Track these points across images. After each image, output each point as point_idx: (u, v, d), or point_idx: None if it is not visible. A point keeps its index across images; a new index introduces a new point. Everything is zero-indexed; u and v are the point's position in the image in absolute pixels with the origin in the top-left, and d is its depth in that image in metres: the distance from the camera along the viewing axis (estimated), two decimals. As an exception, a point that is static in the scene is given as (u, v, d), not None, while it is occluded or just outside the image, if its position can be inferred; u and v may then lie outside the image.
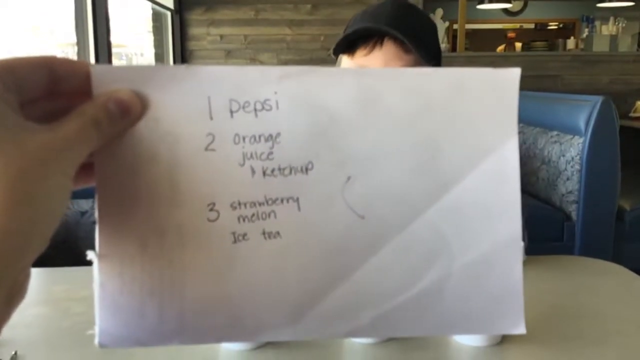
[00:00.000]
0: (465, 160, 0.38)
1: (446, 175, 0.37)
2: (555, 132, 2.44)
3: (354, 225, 0.37)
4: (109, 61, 2.52)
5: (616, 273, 0.96)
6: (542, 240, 2.26)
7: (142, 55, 4.16)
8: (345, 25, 1.09)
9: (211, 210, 0.35)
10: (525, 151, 2.63)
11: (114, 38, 2.64)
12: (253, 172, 0.36)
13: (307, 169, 0.36)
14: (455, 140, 0.38)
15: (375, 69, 0.38)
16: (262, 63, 4.49)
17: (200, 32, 4.42)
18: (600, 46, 4.58)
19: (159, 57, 4.21)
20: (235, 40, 4.47)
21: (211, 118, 0.35)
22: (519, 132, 2.93)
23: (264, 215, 0.36)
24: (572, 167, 2.28)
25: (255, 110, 0.36)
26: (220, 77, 0.35)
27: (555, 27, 6.32)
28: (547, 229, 2.30)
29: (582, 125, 2.24)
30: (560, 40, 5.47)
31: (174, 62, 4.21)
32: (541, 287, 0.89)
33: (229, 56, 4.48)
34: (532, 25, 6.52)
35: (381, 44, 1.00)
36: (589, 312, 0.81)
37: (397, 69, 0.38)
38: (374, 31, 0.99)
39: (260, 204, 0.36)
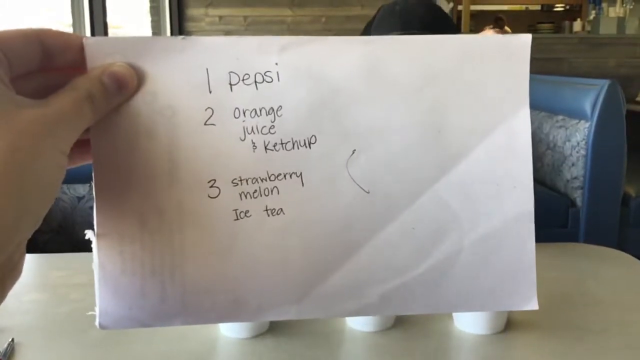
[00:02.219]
0: (474, 131, 0.37)
1: (454, 148, 0.36)
2: (560, 117, 2.42)
3: (359, 201, 0.36)
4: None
5: (620, 260, 0.95)
6: (546, 226, 2.25)
7: (141, 37, 4.13)
8: (371, 17, 1.07)
9: (212, 186, 0.35)
10: (531, 136, 2.60)
11: (110, 19, 2.61)
12: (254, 146, 0.35)
13: (310, 143, 0.35)
14: (463, 110, 0.36)
15: (380, 37, 0.36)
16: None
17: (199, 12, 4.38)
18: (608, 28, 4.53)
19: (158, 38, 4.18)
20: (234, 21, 4.42)
21: (210, 91, 0.34)
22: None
23: (266, 192, 0.35)
24: (577, 152, 2.26)
25: (256, 82, 0.35)
26: (219, 49, 0.34)
27: (562, 8, 6.25)
28: (551, 215, 2.29)
29: (588, 109, 2.21)
30: (567, 23, 5.41)
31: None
32: (545, 275, 0.87)
33: (229, 38, 4.44)
34: (538, 7, 6.44)
35: None
36: (592, 299, 0.80)
37: (403, 37, 0.36)
38: None
39: (262, 180, 0.35)
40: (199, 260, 0.35)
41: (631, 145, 2.26)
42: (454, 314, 0.70)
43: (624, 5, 4.68)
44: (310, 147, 0.35)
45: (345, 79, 0.35)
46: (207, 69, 0.34)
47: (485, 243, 0.37)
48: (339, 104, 0.35)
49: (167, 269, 0.35)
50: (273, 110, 0.35)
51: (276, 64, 0.35)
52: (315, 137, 0.35)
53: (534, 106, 2.66)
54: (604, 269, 0.92)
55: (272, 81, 0.35)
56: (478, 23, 5.66)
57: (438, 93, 0.36)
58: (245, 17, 4.42)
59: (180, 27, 4.34)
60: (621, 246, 1.04)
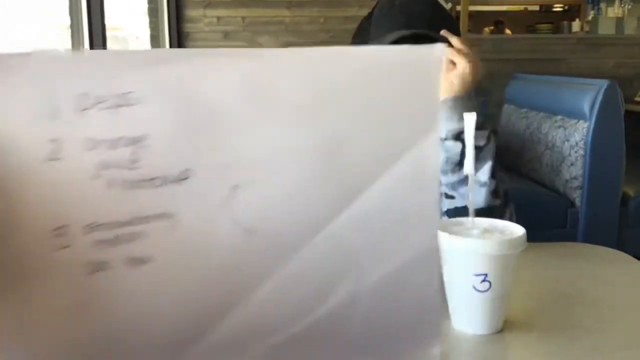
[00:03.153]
0: (377, 159, 0.31)
1: (353, 179, 0.31)
2: (559, 117, 2.41)
3: (242, 243, 0.30)
4: (104, 44, 2.50)
5: (619, 260, 0.95)
6: (545, 227, 2.24)
7: (137, 38, 4.13)
8: (370, 9, 1.06)
9: (60, 235, 0.29)
10: (529, 136, 2.60)
11: (108, 21, 2.61)
12: (111, 185, 0.29)
13: (182, 178, 0.30)
14: (365, 136, 0.31)
15: (265, 50, 0.32)
16: (260, 45, 4.45)
17: (197, 13, 4.38)
18: (606, 29, 4.53)
19: (155, 39, 4.18)
20: (232, 22, 4.42)
21: (56, 118, 0.28)
22: (523, 117, 2.92)
23: (130, 238, 0.29)
24: (576, 152, 2.25)
25: (114, 106, 0.28)
26: (67, 66, 0.28)
27: (561, 9, 6.26)
28: (550, 216, 2.28)
29: (586, 109, 2.21)
30: (565, 23, 5.41)
31: (170, 45, 4.19)
32: (543, 275, 0.88)
33: (227, 38, 4.44)
34: (536, 7, 6.44)
35: None
36: (591, 299, 0.80)
37: (293, 49, 0.31)
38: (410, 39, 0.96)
39: (124, 225, 0.29)
40: (50, 321, 0.29)
41: (630, 145, 2.26)
42: (451, 314, 0.69)
43: (623, 5, 4.69)
44: (182, 183, 0.30)
45: (225, 101, 0.30)
46: (53, 91, 0.28)
47: (387, 283, 0.33)
48: (217, 131, 0.30)
49: (12, 333, 0.29)
50: (136, 140, 0.29)
51: (140, 82, 0.29)
52: (189, 171, 0.30)
53: (533, 106, 2.66)
54: (603, 268, 0.92)
55: (134, 104, 0.29)
56: (476, 24, 5.66)
57: (335, 114, 0.31)
58: (243, 18, 4.42)
59: (178, 28, 4.34)
60: (620, 246, 1.03)
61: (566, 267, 0.92)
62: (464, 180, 0.93)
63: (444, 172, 0.98)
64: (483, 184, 0.94)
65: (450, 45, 0.96)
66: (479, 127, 0.94)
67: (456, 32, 1.00)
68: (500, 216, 0.91)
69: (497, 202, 0.94)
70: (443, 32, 0.96)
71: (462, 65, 0.94)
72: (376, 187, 0.31)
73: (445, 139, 0.95)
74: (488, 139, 0.95)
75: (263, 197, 0.30)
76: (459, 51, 0.95)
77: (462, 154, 0.92)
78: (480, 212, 0.90)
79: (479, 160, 0.94)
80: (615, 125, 2.20)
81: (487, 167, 0.94)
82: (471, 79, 0.95)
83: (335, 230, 0.31)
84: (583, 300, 0.79)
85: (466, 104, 0.95)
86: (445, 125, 0.93)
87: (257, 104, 0.30)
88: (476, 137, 0.92)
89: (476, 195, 0.94)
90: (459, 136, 0.92)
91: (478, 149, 0.94)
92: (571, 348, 0.65)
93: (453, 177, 0.94)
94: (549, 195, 2.37)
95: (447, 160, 0.96)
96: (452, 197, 0.97)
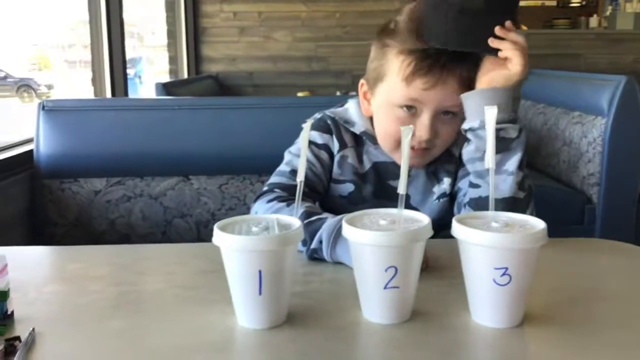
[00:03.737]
0: None
1: None
2: (577, 113, 2.39)
3: None
4: (122, 40, 2.51)
5: (636, 255, 0.95)
6: (562, 223, 2.22)
7: (153, 33, 4.16)
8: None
9: None
10: (547, 132, 2.58)
11: (126, 16, 2.63)
12: None
13: None
14: None
15: None
16: (276, 41, 4.46)
17: (213, 9, 4.39)
18: (624, 24, 4.48)
19: (172, 34, 4.19)
20: (248, 17, 4.43)
21: None
22: (540, 113, 2.89)
23: None
24: (593, 148, 2.24)
25: None
26: None
27: (578, 4, 6.19)
28: (567, 212, 2.27)
29: (604, 105, 2.19)
30: (583, 18, 5.35)
31: (187, 39, 4.20)
32: (561, 270, 0.88)
33: (243, 34, 4.45)
34: (554, 3, 6.38)
35: (444, 78, 0.95)
36: (609, 294, 0.80)
37: None
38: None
39: None
40: None
41: (648, 141, 2.23)
42: (471, 307, 0.69)
43: (642, 0, 4.63)
44: None
45: None
46: None
47: None
48: None
49: None
50: None
51: None
52: None
53: (551, 102, 2.64)
54: (620, 263, 0.92)
55: None
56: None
57: None
58: (259, 13, 4.43)
59: (195, 24, 4.36)
60: (638, 242, 1.03)
61: (584, 262, 0.92)
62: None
63: (472, 161, 0.97)
64: (510, 173, 0.93)
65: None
66: (512, 120, 0.94)
67: (515, 17, 0.95)
68: (523, 210, 0.91)
69: (522, 194, 0.94)
70: (508, 25, 0.92)
71: (519, 61, 0.91)
72: None
73: (479, 128, 0.94)
74: (520, 131, 0.94)
75: None
76: (516, 44, 0.91)
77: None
78: (504, 202, 0.90)
79: (509, 151, 0.93)
80: (633, 121, 2.18)
81: (515, 158, 0.93)
82: (521, 74, 0.92)
83: None
84: (601, 295, 0.79)
85: (502, 96, 0.93)
86: (480, 115, 0.92)
87: None
88: (509, 130, 0.93)
89: (502, 183, 0.93)
90: None
91: (509, 140, 0.93)
92: (590, 342, 0.65)
93: (482, 165, 0.93)
94: (566, 192, 2.35)
95: (477, 148, 0.95)
96: (477, 186, 0.97)
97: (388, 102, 1.00)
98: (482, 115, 0.90)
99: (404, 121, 0.97)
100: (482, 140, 0.92)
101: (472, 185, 0.98)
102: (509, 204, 0.90)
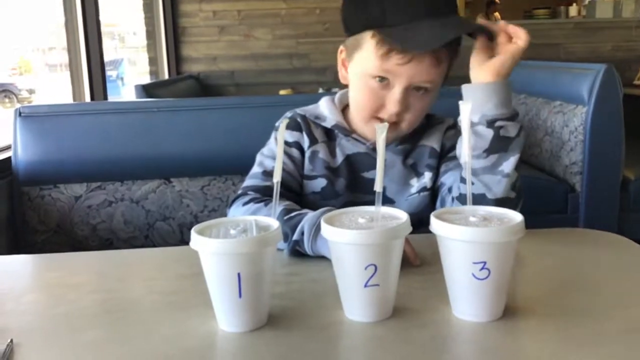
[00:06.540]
0: None
1: None
2: (558, 102, 2.41)
3: None
4: (99, 42, 2.48)
5: (620, 245, 0.95)
6: (545, 212, 2.24)
7: (135, 34, 4.11)
8: None
9: None
10: (528, 122, 2.60)
11: (103, 17, 2.59)
12: None
13: None
14: None
15: None
16: (256, 39, 4.44)
17: (193, 8, 4.36)
18: (603, 12, 4.51)
19: (151, 35, 4.15)
20: (228, 16, 4.40)
21: None
22: (522, 103, 2.90)
23: None
24: (575, 137, 2.25)
25: None
26: None
27: (557, -7, 6.23)
28: (550, 201, 2.28)
29: (585, 94, 2.20)
30: (563, 8, 5.38)
31: (166, 40, 4.16)
32: (544, 261, 0.88)
33: (223, 32, 4.42)
34: (533, -7, 6.41)
35: (421, 55, 0.93)
36: (592, 284, 0.80)
37: None
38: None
39: None
40: None
41: (629, 128, 2.25)
42: (452, 302, 0.69)
43: (620, -12, 4.66)
44: None
45: None
46: None
47: None
48: None
49: None
50: None
51: None
52: None
53: (531, 92, 2.65)
54: (603, 253, 0.92)
55: None
56: (473, 10, 5.63)
57: None
58: (239, 12, 4.40)
59: (174, 24, 4.32)
60: (621, 230, 1.03)
61: (567, 252, 0.92)
62: (488, 168, 0.91)
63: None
64: (505, 175, 0.91)
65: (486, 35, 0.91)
66: (512, 118, 0.91)
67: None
68: (513, 209, 0.90)
69: (513, 194, 0.92)
70: (480, 21, 0.92)
71: (523, 33, 0.90)
72: None
73: (478, 123, 0.90)
74: (519, 130, 0.91)
75: None
76: (512, 32, 0.91)
77: (492, 141, 0.89)
78: (495, 203, 0.89)
79: (507, 151, 0.90)
80: (614, 109, 2.19)
81: (513, 159, 0.90)
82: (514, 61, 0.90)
83: None
84: (583, 286, 0.79)
85: (505, 89, 0.90)
86: (480, 110, 0.90)
87: None
88: (509, 128, 0.90)
89: (496, 185, 0.91)
90: (492, 123, 0.89)
91: (509, 140, 0.90)
92: (572, 333, 0.66)
93: (477, 164, 0.91)
94: (549, 181, 2.37)
95: (474, 146, 0.90)
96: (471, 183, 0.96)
97: (362, 71, 0.99)
98: (482, 110, 0.89)
99: (376, 92, 0.97)
100: (479, 137, 0.90)
101: (464, 180, 0.97)
102: (499, 204, 0.89)
